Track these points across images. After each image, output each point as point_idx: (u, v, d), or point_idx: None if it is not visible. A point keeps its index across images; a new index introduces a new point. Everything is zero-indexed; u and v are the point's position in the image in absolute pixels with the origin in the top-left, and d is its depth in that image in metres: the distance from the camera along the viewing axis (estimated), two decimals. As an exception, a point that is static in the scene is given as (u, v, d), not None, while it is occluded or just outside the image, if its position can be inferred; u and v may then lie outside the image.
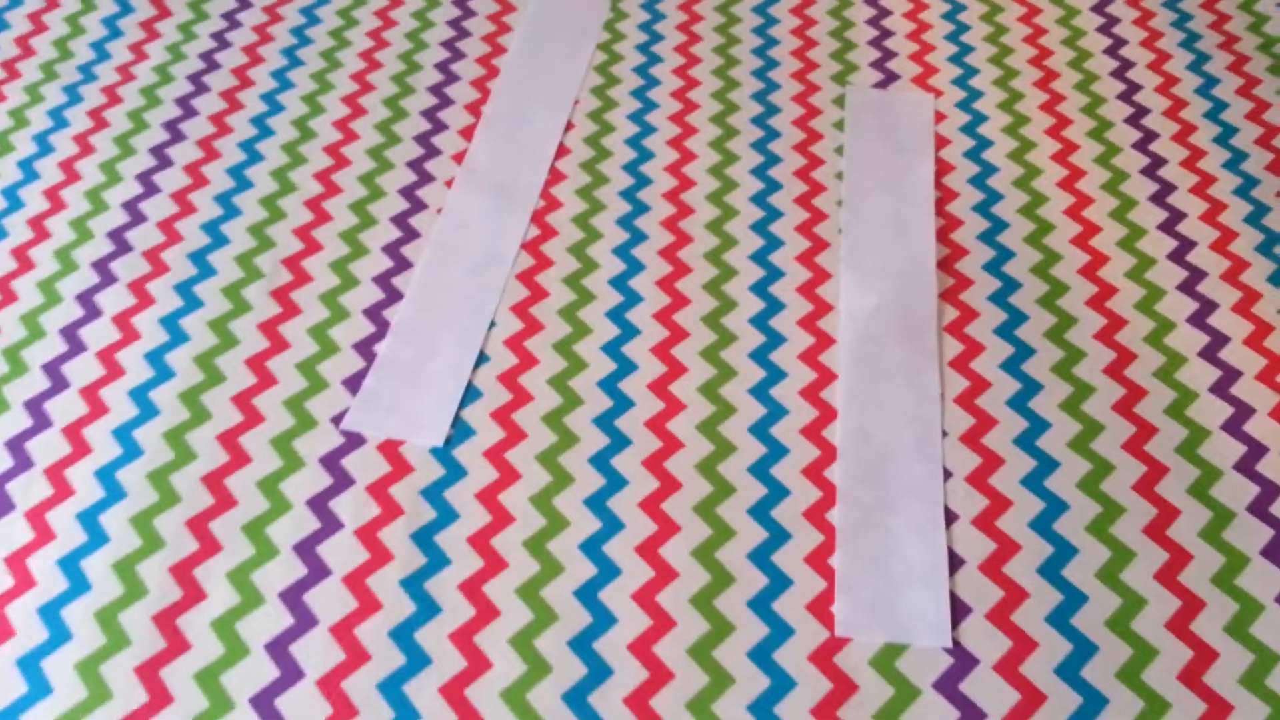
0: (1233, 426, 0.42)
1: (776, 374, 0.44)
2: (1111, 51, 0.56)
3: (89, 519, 0.40)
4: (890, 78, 0.55)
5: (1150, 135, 0.52)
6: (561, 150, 0.52)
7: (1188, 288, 0.47)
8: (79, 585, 0.39)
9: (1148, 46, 0.57)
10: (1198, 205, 0.50)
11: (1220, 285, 0.47)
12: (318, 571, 0.39)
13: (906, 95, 0.54)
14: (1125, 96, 0.54)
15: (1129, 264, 0.48)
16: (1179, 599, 0.38)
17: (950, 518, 0.40)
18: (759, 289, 0.47)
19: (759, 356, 0.45)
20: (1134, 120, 0.53)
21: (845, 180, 0.50)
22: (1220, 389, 0.43)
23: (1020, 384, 0.44)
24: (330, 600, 0.38)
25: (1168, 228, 0.49)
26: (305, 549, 0.40)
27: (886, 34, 0.57)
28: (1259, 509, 0.40)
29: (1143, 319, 0.46)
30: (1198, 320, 0.46)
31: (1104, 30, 0.57)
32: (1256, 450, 0.42)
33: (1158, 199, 0.50)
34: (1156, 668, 0.37)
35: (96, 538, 0.40)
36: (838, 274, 0.47)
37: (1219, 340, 0.45)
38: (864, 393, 0.43)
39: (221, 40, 0.57)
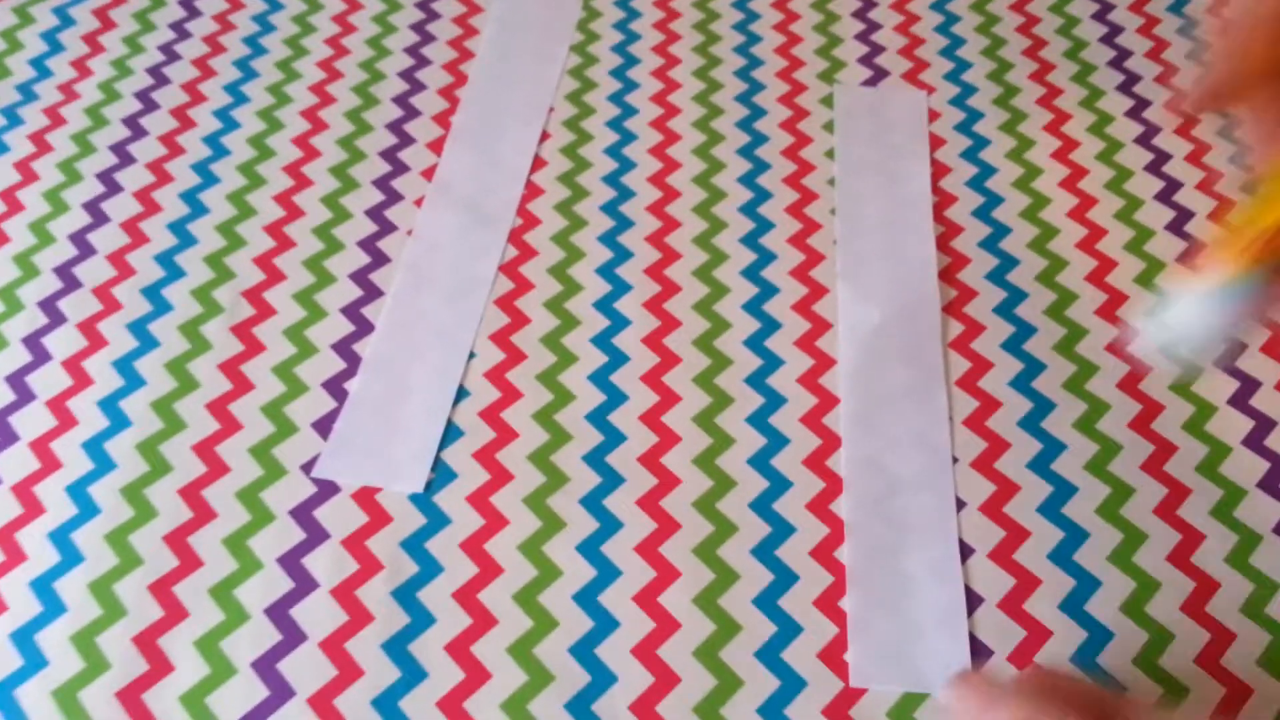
0: (1254, 441, 0.40)
1: (775, 400, 0.42)
2: (1108, 40, 0.54)
3: (42, 587, 0.37)
4: (880, 74, 0.53)
5: (1153, 129, 0.50)
6: (537, 163, 0.49)
7: (1200, 292, 0.44)
8: (35, 662, 0.36)
9: (1144, 34, 0.54)
10: (1205, 203, 0.47)
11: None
12: (292, 637, 0.36)
13: (897, 93, 0.51)
14: (1125, 88, 0.52)
15: (1138, 268, 0.45)
16: (1208, 630, 0.36)
17: (965, 551, 0.38)
18: (752, 308, 0.44)
19: (756, 382, 0.42)
20: (1135, 114, 0.51)
21: (838, 187, 0.48)
22: (1239, 401, 0.41)
23: (1032, 403, 0.41)
24: (307, 668, 0.36)
25: (1175, 228, 0.47)
26: (278, 612, 0.37)
27: (874, 27, 0.55)
28: (1288, 530, 0.38)
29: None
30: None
31: (1099, 17, 0.55)
32: (1278, 469, 0.40)
33: (1163, 197, 0.48)
34: (1190, 707, 0.35)
35: (52, 607, 0.37)
36: (835, 289, 0.45)
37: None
38: (868, 418, 0.41)
39: (170, 53, 0.54)
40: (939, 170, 0.49)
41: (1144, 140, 0.50)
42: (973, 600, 0.37)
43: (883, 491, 0.39)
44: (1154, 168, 0.49)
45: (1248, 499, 0.39)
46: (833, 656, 0.36)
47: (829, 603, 0.37)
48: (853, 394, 0.41)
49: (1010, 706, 0.27)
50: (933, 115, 0.51)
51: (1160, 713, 0.29)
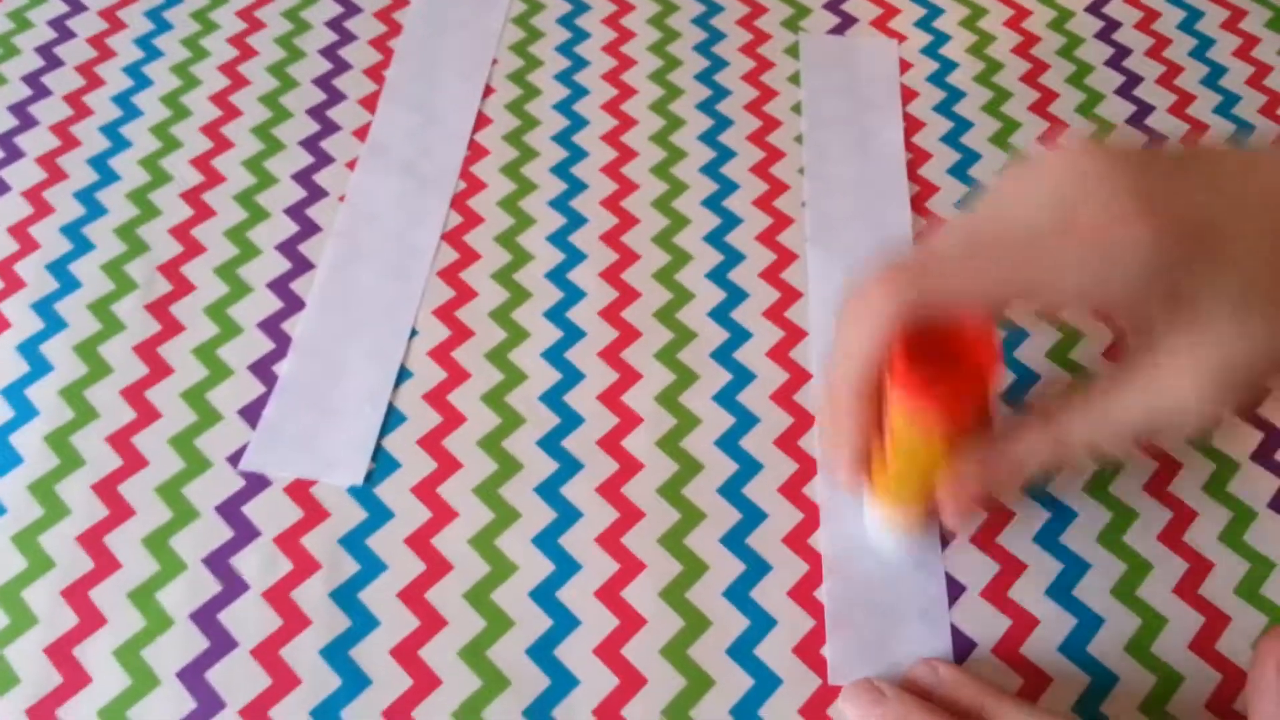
0: (1249, 415, 0.38)
1: (744, 376, 0.39)
2: (1085, -15, 0.51)
3: (-61, 599, 0.34)
4: (847, 21, 0.49)
5: (1134, 79, 0.48)
6: (481, 120, 0.46)
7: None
8: (-70, 682, 0.32)
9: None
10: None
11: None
12: (221, 644, 0.33)
13: (866, 41, 0.48)
14: (1103, 35, 0.49)
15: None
16: (1202, 614, 0.34)
17: (944, 538, 0.36)
18: (717, 276, 0.41)
19: (722, 356, 0.39)
20: (1115, 63, 0.48)
21: (805, 144, 0.45)
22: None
23: (1014, 374, 0.39)
24: (239, 677, 0.33)
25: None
26: (204, 617, 0.34)
27: (839, -29, 0.51)
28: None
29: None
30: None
31: (1074, -39, 0.52)
32: (1272, 441, 0.38)
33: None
34: (1179, 701, 0.33)
35: (-49, 619, 0.33)
36: (804, 255, 0.42)
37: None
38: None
39: (75, 4, 0.49)
40: (912, 125, 0.46)
41: (1124, 91, 0.47)
42: (954, 589, 0.35)
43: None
44: (1136, 120, 0.46)
45: (1241, 472, 0.37)
46: (809, 651, 0.33)
47: (804, 593, 0.35)
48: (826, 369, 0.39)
49: (889, 711, 0.31)
50: (904, 66, 0.48)
51: (1033, 711, 0.30)
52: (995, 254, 0.28)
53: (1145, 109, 0.47)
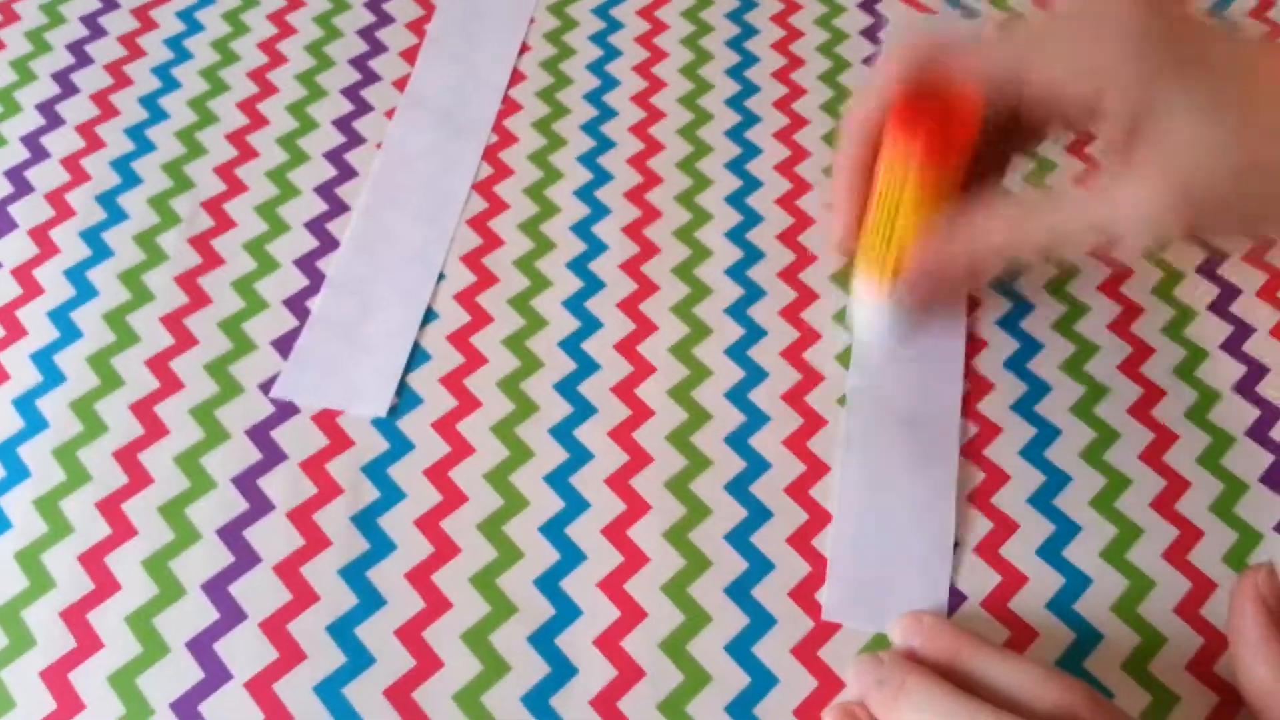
0: (1245, 389, 0.39)
1: (756, 332, 0.40)
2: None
3: (-15, 502, 0.36)
4: (880, 22, 0.50)
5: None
6: (516, 76, 0.47)
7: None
8: (-25, 578, 0.34)
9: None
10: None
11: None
12: (245, 559, 0.35)
13: (953, 17, 0.49)
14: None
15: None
16: (1189, 579, 0.35)
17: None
18: (735, 236, 0.43)
19: (736, 312, 0.41)
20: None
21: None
22: (1231, 346, 0.40)
23: (1019, 343, 0.40)
24: (260, 592, 0.34)
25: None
26: (231, 533, 0.36)
27: (874, -53, 0.52)
28: None
29: (1162, 307, 0.42)
30: (1220, 309, 0.42)
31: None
32: (1268, 418, 0.39)
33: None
34: (1161, 660, 0.34)
35: (-5, 523, 0.35)
36: (821, 220, 0.43)
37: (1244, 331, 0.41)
38: (865, 357, 0.39)
39: (131, -52, 0.51)
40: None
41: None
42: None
43: (875, 426, 0.37)
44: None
45: (1236, 446, 0.38)
46: (804, 595, 0.35)
47: (803, 540, 0.36)
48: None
49: (888, 672, 0.32)
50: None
51: (1009, 656, 0.32)
52: (1004, 35, 0.32)
53: None
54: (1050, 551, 0.36)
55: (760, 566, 0.35)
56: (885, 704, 0.31)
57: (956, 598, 0.35)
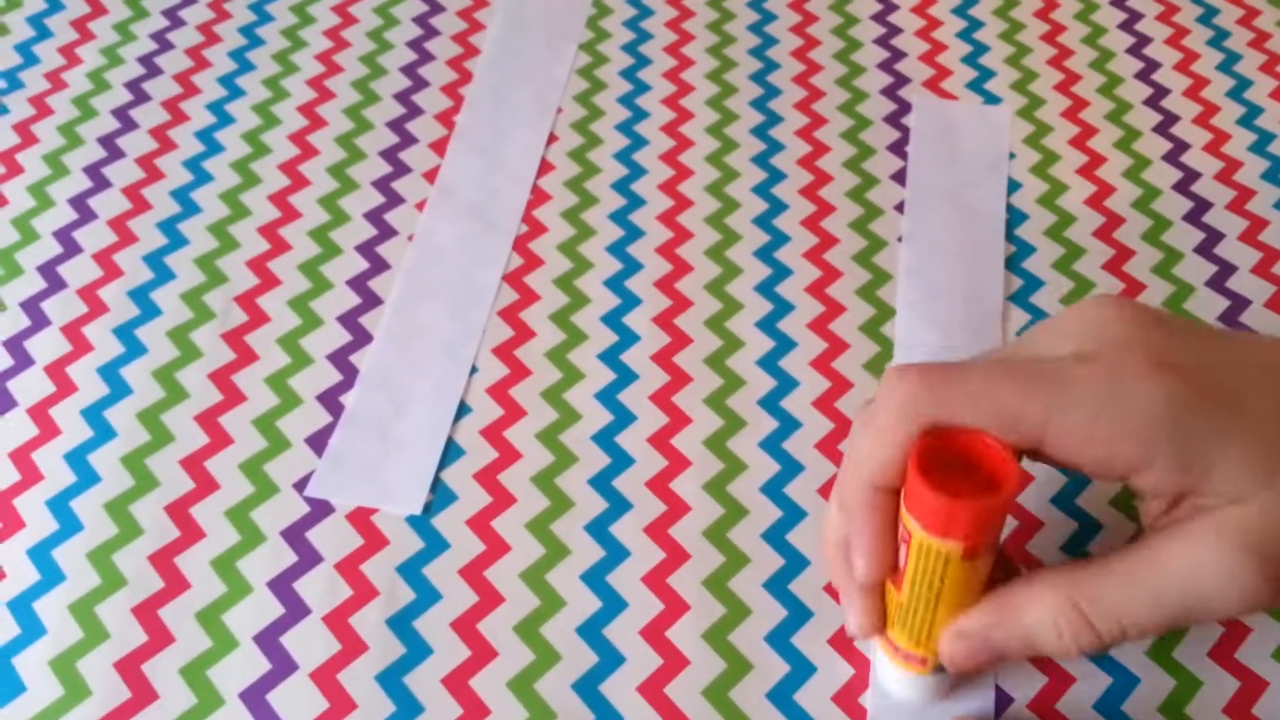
0: None
1: (790, 424, 0.40)
2: (1135, 51, 0.52)
3: (20, 607, 0.36)
4: (900, 81, 0.51)
5: (1181, 146, 0.48)
6: (544, 166, 0.47)
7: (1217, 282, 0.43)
8: (12, 687, 0.34)
9: (1173, 45, 0.53)
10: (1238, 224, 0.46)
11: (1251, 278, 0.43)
12: (282, 666, 0.35)
13: (977, 108, 0.49)
14: (1152, 102, 0.50)
15: (1167, 292, 0.44)
16: (1238, 680, 0.35)
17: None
18: (766, 326, 0.43)
19: (769, 404, 0.41)
20: (1163, 130, 0.49)
21: (908, 210, 0.46)
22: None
23: (1076, 523, 0.40)
24: (297, 699, 0.34)
25: (1205, 250, 0.45)
26: (267, 639, 0.35)
27: (894, 31, 0.53)
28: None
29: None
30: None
31: (1126, 27, 0.53)
32: None
33: (1192, 218, 0.46)
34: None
35: (31, 629, 0.35)
36: (851, 307, 0.43)
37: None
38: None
39: (163, 42, 0.52)
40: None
41: (1173, 158, 0.48)
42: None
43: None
44: (1182, 188, 0.47)
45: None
46: (848, 699, 0.34)
47: (844, 641, 0.35)
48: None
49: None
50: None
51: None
52: (1012, 372, 0.27)
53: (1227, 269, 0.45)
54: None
55: (802, 670, 0.35)
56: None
57: (1003, 699, 0.34)
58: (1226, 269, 0.44)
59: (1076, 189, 0.47)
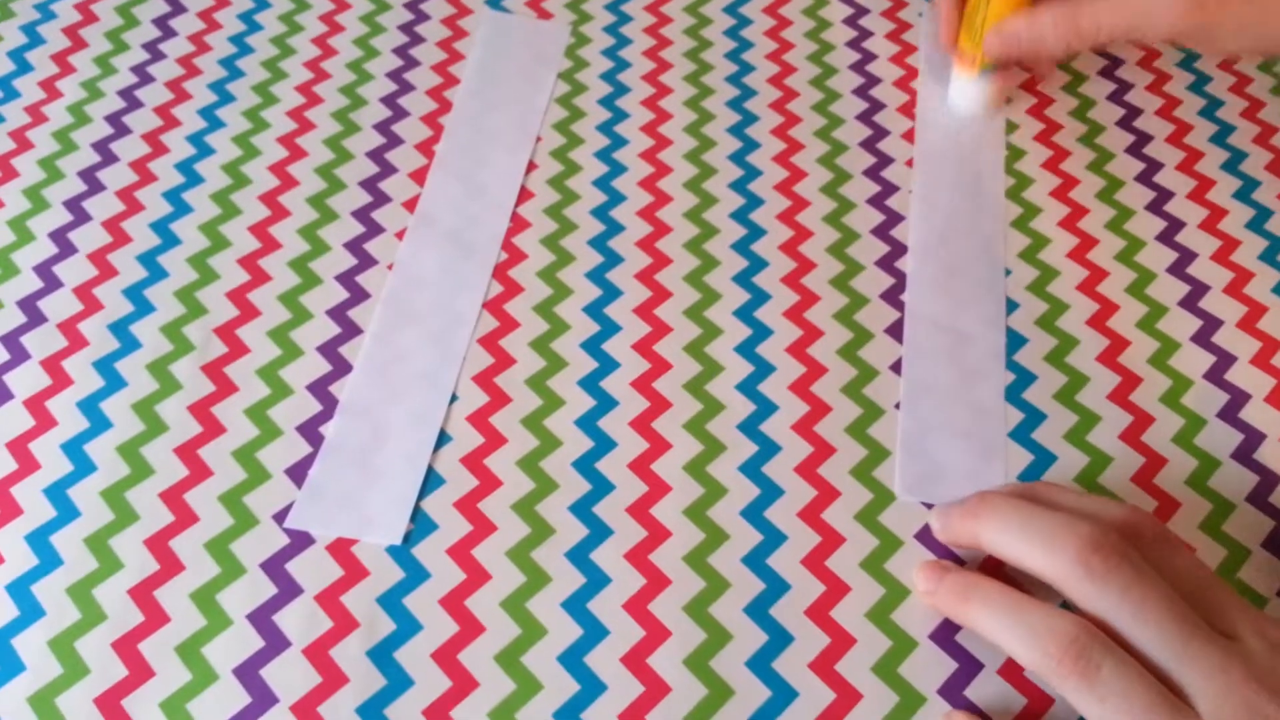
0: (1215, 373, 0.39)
1: (769, 448, 0.40)
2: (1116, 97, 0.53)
3: (-2, 644, 0.35)
4: (876, 107, 0.51)
5: (1158, 177, 0.49)
6: (523, 194, 0.48)
7: (1203, 339, 0.43)
8: (-13, 727, 0.34)
9: (1164, 117, 0.53)
10: (1210, 243, 0.46)
11: (1238, 334, 0.44)
12: (262, 699, 0.35)
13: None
14: (1134, 150, 0.51)
15: (1140, 313, 0.44)
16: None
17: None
18: (745, 351, 0.43)
19: (749, 429, 0.41)
20: (1135, 150, 0.50)
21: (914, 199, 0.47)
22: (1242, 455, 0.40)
23: (1022, 412, 0.40)
24: (278, 733, 0.34)
25: (1178, 270, 0.46)
26: (247, 672, 0.35)
27: (869, 57, 0.54)
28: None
29: (1160, 376, 0.42)
30: (1215, 377, 0.42)
31: (1114, 95, 0.54)
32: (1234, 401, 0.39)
33: (1165, 238, 0.47)
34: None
35: (9, 666, 0.35)
36: (828, 332, 0.43)
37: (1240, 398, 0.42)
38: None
39: (143, 74, 0.52)
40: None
41: (1145, 178, 0.49)
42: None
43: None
44: (1155, 207, 0.48)
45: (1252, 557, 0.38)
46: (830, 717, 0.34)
47: (825, 666, 0.35)
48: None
49: (954, 577, 0.36)
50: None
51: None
52: None
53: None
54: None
55: (784, 695, 0.35)
56: (966, 514, 0.35)
57: (973, 665, 0.34)
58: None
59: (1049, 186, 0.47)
